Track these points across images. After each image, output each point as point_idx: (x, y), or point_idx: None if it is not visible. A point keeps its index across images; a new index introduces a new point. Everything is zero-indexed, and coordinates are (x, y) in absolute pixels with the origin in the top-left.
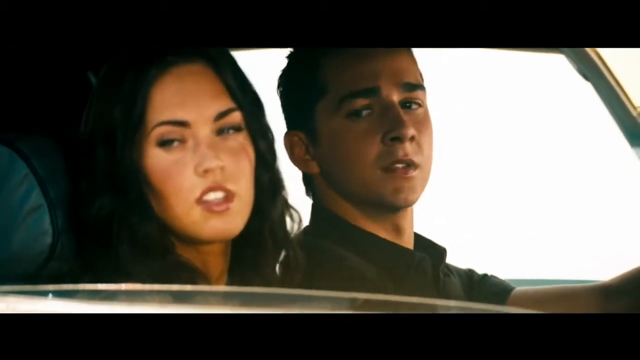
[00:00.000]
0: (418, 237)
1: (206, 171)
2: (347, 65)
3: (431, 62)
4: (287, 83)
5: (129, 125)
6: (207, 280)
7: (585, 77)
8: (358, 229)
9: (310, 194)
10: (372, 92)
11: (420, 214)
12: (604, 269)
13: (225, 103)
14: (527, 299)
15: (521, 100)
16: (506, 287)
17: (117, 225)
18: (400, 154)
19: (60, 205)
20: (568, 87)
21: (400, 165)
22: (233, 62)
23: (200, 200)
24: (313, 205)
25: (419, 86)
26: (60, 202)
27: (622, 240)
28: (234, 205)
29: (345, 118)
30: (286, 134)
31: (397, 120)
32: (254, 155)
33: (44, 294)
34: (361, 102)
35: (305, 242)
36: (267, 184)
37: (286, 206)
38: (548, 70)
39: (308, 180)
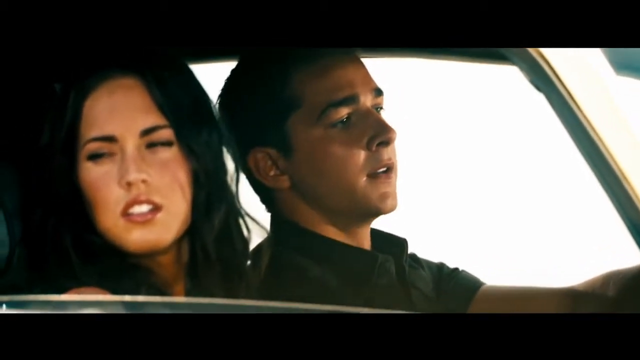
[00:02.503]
0: (377, 233)
1: (129, 184)
2: (319, 76)
3: (385, 72)
4: (247, 101)
5: (65, 139)
6: (163, 284)
7: (538, 89)
8: (319, 236)
9: (271, 209)
10: (351, 100)
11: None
12: (568, 274)
13: (153, 119)
14: (495, 295)
15: (472, 111)
16: (475, 283)
17: (63, 235)
18: (386, 157)
19: (17, 216)
20: (520, 98)
21: (383, 170)
22: (167, 78)
23: (124, 213)
24: (273, 218)
25: (382, 91)
26: (17, 212)
27: (582, 246)
28: (159, 217)
29: (326, 128)
30: (249, 152)
31: (381, 125)
32: (190, 171)
33: None
34: (342, 110)
35: (262, 253)
36: (203, 202)
37: (232, 224)
38: (501, 82)
39: (269, 197)
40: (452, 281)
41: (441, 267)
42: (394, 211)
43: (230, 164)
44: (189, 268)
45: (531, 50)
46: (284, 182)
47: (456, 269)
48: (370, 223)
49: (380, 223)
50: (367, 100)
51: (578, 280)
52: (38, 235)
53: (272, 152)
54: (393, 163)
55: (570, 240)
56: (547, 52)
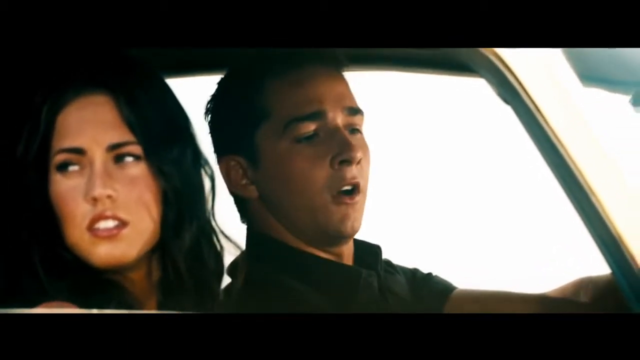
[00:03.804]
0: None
1: (94, 199)
2: (289, 90)
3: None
4: (221, 108)
5: (37, 152)
6: (135, 298)
7: (505, 101)
8: (300, 252)
9: (245, 220)
10: (318, 115)
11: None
12: (538, 279)
13: (121, 135)
14: (467, 299)
15: (443, 123)
16: (448, 287)
17: (33, 249)
18: (349, 176)
19: None
20: (488, 110)
21: (347, 189)
22: (139, 96)
23: (90, 228)
24: (248, 231)
25: (360, 111)
26: None
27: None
28: (125, 232)
29: (291, 143)
30: (222, 159)
31: (345, 143)
32: (159, 188)
33: None
34: (307, 126)
35: (238, 270)
36: (172, 219)
37: (204, 242)
38: (469, 94)
39: (243, 206)
40: (425, 285)
41: (415, 272)
42: (356, 233)
43: (206, 182)
44: (160, 285)
45: (497, 62)
46: (253, 191)
47: (429, 274)
48: (341, 242)
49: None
50: (336, 118)
51: (549, 286)
52: (10, 248)
53: (242, 160)
54: (358, 183)
55: (540, 247)
56: (513, 64)
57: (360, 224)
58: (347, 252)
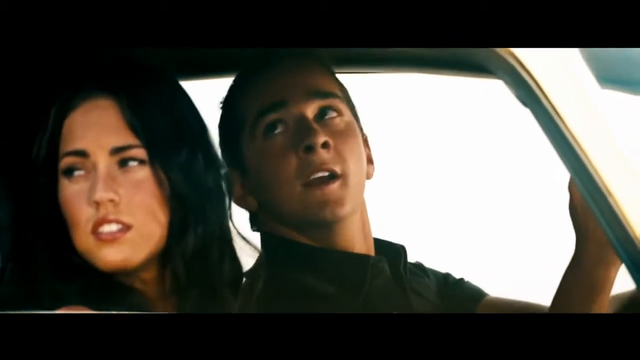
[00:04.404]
0: (375, 241)
1: (96, 203)
2: (256, 90)
3: (373, 88)
4: (220, 123)
5: (45, 156)
6: (149, 301)
7: (524, 103)
8: (310, 247)
9: (257, 229)
10: (279, 105)
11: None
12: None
13: (124, 138)
14: (497, 307)
15: (461, 125)
16: (479, 293)
17: (45, 253)
18: (317, 162)
19: (7, 230)
20: (507, 113)
21: (320, 176)
22: (145, 100)
23: (94, 231)
24: (262, 234)
25: (331, 94)
26: (8, 226)
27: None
28: (128, 236)
29: (262, 138)
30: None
31: (307, 129)
32: (164, 193)
33: None
34: (272, 117)
35: (256, 275)
36: (178, 224)
37: (212, 247)
38: (487, 96)
39: (251, 218)
40: (456, 290)
41: (447, 276)
42: (340, 218)
43: (220, 185)
44: (171, 290)
45: (515, 64)
46: (252, 202)
47: (461, 279)
48: (345, 230)
49: (382, 232)
50: (300, 105)
51: None
52: (24, 252)
53: (237, 173)
54: (331, 168)
55: (558, 250)
56: (531, 66)
57: (345, 210)
58: (364, 250)
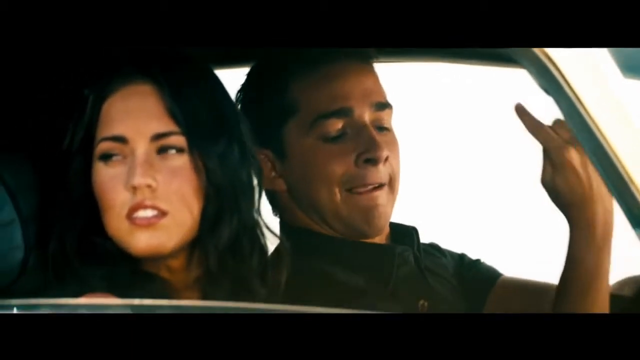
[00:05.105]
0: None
1: (134, 188)
2: (317, 86)
3: (394, 78)
4: (250, 100)
5: (82, 141)
6: (173, 291)
7: (547, 93)
8: (335, 239)
9: (277, 213)
10: (344, 112)
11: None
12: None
13: (165, 125)
14: (512, 287)
15: (485, 114)
16: (494, 273)
17: (75, 239)
18: (372, 177)
19: (32, 221)
20: (531, 102)
21: (370, 187)
22: (185, 87)
23: (129, 216)
24: (281, 224)
25: (388, 105)
26: (32, 217)
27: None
28: (163, 222)
29: (317, 139)
30: None
31: (372, 141)
32: (200, 181)
33: (8, 307)
34: (334, 123)
35: (280, 264)
36: (212, 213)
37: (244, 238)
38: (511, 85)
39: (274, 199)
40: (472, 270)
41: (462, 256)
42: (381, 231)
43: (253, 177)
44: (199, 280)
45: (539, 53)
46: (281, 184)
47: (477, 260)
48: (368, 237)
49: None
50: (363, 114)
51: None
52: (53, 239)
53: (270, 154)
54: (382, 184)
55: None
56: (555, 55)
57: (386, 221)
58: (381, 235)
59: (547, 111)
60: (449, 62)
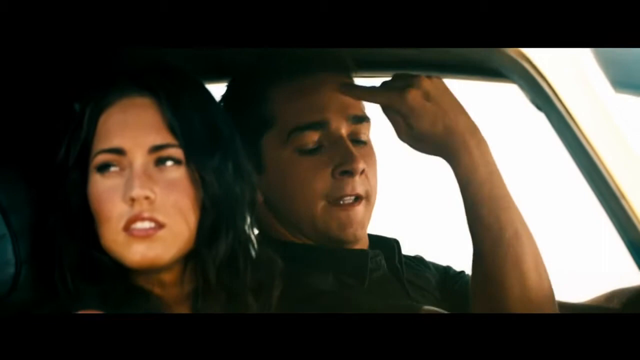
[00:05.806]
0: (369, 237)
1: (132, 200)
2: (294, 98)
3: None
4: (229, 110)
5: (78, 154)
6: (165, 306)
7: (538, 107)
8: (309, 246)
9: (255, 224)
10: (320, 125)
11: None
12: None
13: (163, 137)
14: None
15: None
16: None
17: (69, 254)
18: (349, 189)
19: (22, 235)
20: (521, 116)
21: (348, 200)
22: (182, 101)
23: (126, 228)
24: (258, 235)
25: (366, 118)
26: (23, 232)
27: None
28: (160, 234)
29: (294, 152)
30: None
31: (348, 154)
32: (197, 194)
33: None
34: (310, 135)
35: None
36: (208, 227)
37: (239, 252)
38: (501, 100)
39: None
40: (457, 282)
41: (447, 269)
42: (358, 241)
43: (246, 192)
44: (192, 294)
45: (529, 68)
46: (258, 196)
47: (462, 272)
48: (347, 246)
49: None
50: (340, 127)
51: (581, 289)
52: (46, 254)
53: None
54: (359, 194)
55: (571, 252)
56: (545, 69)
57: (364, 232)
58: (359, 246)
59: (538, 127)
60: (441, 77)
